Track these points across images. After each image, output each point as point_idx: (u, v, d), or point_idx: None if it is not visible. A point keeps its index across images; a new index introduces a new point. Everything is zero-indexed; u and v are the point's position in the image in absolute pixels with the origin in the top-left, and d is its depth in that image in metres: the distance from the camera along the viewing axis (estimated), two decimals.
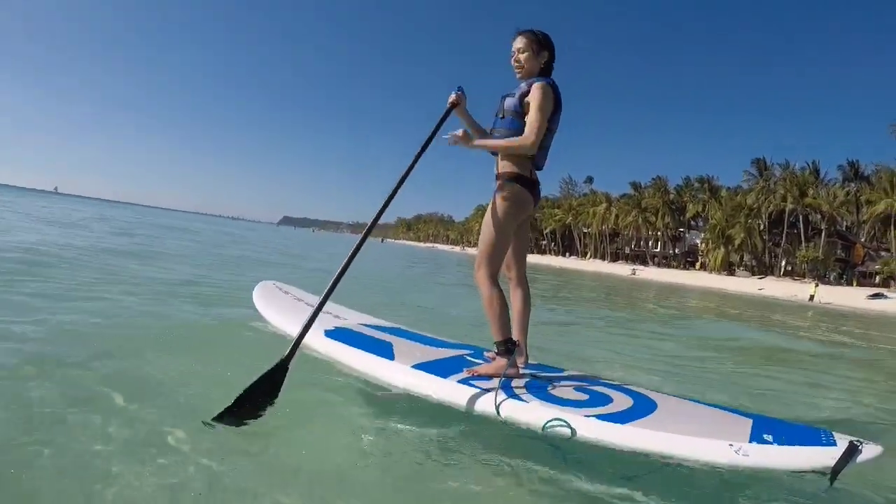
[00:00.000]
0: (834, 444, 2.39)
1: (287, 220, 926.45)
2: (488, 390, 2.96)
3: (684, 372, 5.97)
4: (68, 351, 3.84)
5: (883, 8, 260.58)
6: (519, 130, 3.24)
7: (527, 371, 3.39)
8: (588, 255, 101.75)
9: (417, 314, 7.95)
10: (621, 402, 2.92)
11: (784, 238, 73.38)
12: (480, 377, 3.16)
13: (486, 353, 3.63)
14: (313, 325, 3.17)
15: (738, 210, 74.89)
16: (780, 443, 2.42)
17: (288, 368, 2.94)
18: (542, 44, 3.38)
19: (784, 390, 5.61)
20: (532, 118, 3.20)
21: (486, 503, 2.48)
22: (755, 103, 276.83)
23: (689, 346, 8.41)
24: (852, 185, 71.09)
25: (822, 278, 59.83)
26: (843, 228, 74.15)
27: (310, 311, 3.14)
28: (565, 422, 2.67)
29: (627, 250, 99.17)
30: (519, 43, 3.39)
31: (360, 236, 3.34)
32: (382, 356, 3.44)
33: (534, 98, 3.21)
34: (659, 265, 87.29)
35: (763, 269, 74.47)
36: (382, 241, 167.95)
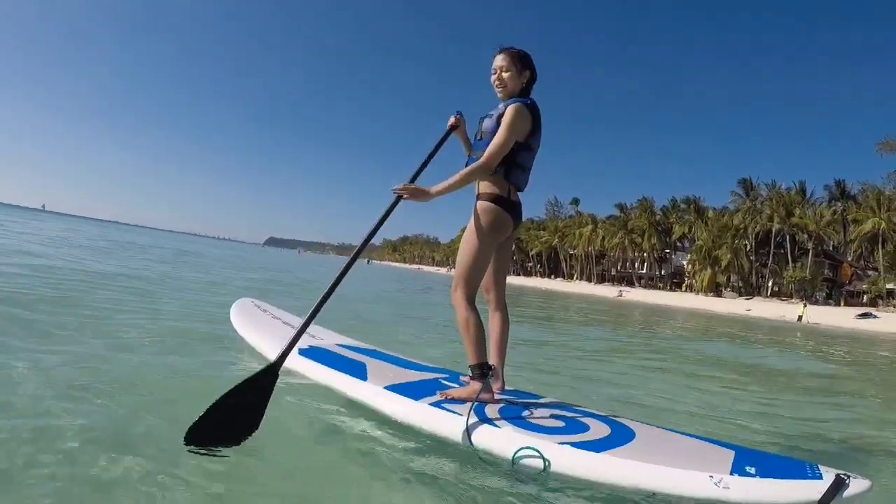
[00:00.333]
0: (820, 477, 2.32)
1: (273, 241, 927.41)
2: (459, 414, 2.89)
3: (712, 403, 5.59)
4: None
5: (867, 27, 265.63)
6: None
7: (502, 397, 3.31)
8: (574, 277, 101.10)
9: (404, 334, 7.96)
10: (598, 430, 2.84)
11: (771, 258, 73.13)
12: (453, 401, 3.09)
13: (461, 378, 3.57)
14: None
15: (725, 231, 74.68)
16: (763, 475, 2.35)
17: (278, 375, 2.89)
18: (524, 62, 3.35)
19: (773, 415, 5.30)
20: (495, 139, 3.15)
21: None
22: (741, 123, 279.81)
23: (704, 367, 8.03)
24: (839, 204, 71.24)
25: (809, 298, 59.58)
26: (830, 248, 74.30)
27: (299, 322, 3.17)
28: (537, 449, 2.59)
29: (613, 272, 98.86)
30: (501, 61, 3.34)
31: (345, 258, 3.32)
32: (355, 376, 3.41)
33: (505, 118, 3.16)
34: (645, 286, 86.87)
35: (750, 289, 73.95)
36: (368, 262, 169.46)
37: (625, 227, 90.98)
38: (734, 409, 5.40)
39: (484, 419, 2.85)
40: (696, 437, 2.93)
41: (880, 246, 60.70)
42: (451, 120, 3.61)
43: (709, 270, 73.42)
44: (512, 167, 3.23)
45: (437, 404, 3.04)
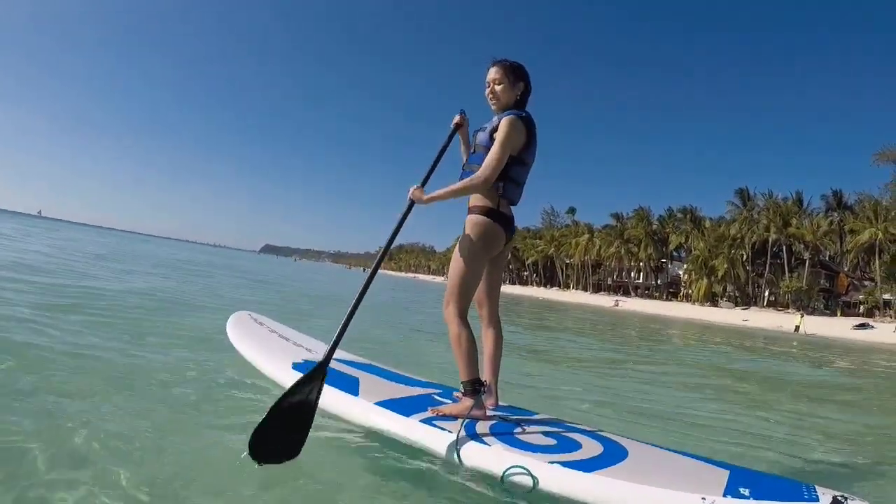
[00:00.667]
0: (816, 499, 2.27)
1: (269, 249, 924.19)
2: (450, 431, 2.85)
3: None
4: None
5: (864, 37, 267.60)
6: None
7: (495, 413, 3.27)
8: (570, 286, 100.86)
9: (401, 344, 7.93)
10: (590, 448, 2.79)
11: (767, 268, 72.96)
12: (444, 417, 3.04)
13: (454, 394, 3.51)
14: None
15: (722, 240, 74.49)
16: (758, 497, 2.28)
17: (326, 373, 2.92)
18: (518, 74, 3.30)
19: (770, 429, 5.18)
20: (490, 154, 3.10)
21: None
22: (739, 133, 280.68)
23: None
24: (836, 214, 71.07)
25: (805, 308, 59.50)
26: (827, 258, 74.18)
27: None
28: (526, 468, 2.55)
29: (610, 281, 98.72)
30: (494, 73, 3.31)
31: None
32: (347, 391, 3.37)
33: (499, 133, 3.11)
34: (641, 296, 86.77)
35: (746, 299, 73.76)
36: (364, 270, 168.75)
37: (621, 236, 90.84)
38: (731, 422, 5.29)
39: (474, 436, 2.82)
40: (690, 455, 2.88)
41: (877, 256, 60.54)
42: (456, 118, 3.55)
43: (705, 280, 73.26)
44: (506, 182, 3.19)
45: (427, 421, 2.99)
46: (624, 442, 2.97)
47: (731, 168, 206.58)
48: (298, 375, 3.62)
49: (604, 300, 75.82)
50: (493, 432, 2.90)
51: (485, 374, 3.31)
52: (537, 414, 3.45)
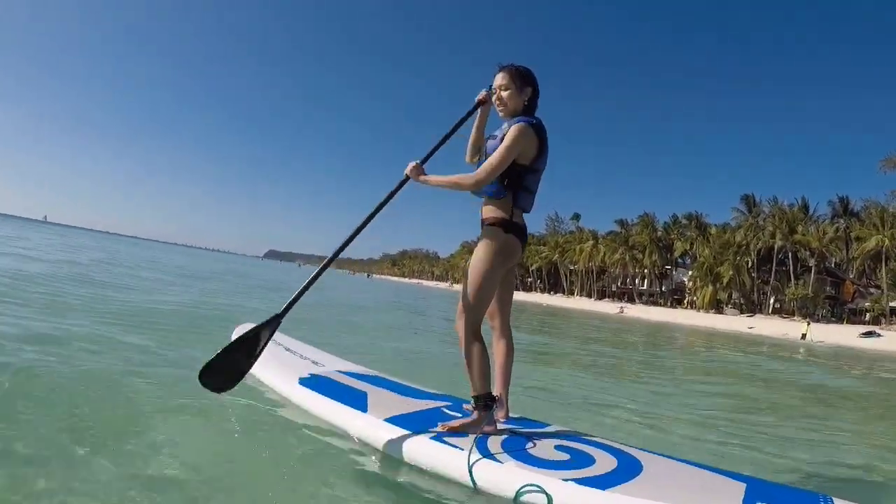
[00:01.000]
0: None
1: (272, 254, 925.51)
2: (461, 449, 2.79)
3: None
4: None
5: (870, 45, 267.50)
6: (500, 176, 3.10)
7: (506, 426, 3.21)
8: (575, 293, 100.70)
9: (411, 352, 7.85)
10: (604, 463, 2.73)
11: (773, 275, 72.70)
12: (455, 433, 2.98)
13: (464, 406, 3.43)
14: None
15: (727, 247, 74.23)
16: None
17: (280, 322, 3.13)
18: (525, 79, 3.23)
19: (785, 438, 5.09)
20: (491, 158, 3.06)
21: None
22: (744, 139, 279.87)
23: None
24: (842, 221, 70.84)
25: (811, 316, 59.19)
26: (833, 265, 73.86)
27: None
28: (541, 486, 2.49)
29: (614, 287, 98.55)
30: (500, 79, 3.24)
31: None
32: (355, 407, 3.34)
33: (506, 138, 3.06)
34: (646, 303, 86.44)
35: (751, 307, 73.49)
36: (369, 276, 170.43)
37: (626, 243, 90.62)
38: (745, 432, 5.21)
39: (486, 454, 2.76)
40: (706, 467, 2.84)
41: (884, 264, 60.24)
42: (481, 94, 3.42)
43: (710, 287, 72.92)
44: (519, 191, 3.16)
45: (438, 437, 2.94)
46: (638, 454, 2.92)
47: (737, 174, 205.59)
48: (305, 392, 3.65)
49: (608, 307, 75.55)
50: (505, 448, 2.85)
51: (496, 386, 3.27)
52: (548, 426, 3.40)
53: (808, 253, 71.16)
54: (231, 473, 2.82)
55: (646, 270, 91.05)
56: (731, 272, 71.81)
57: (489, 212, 3.19)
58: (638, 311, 68.77)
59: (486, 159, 3.16)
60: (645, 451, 3.03)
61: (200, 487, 2.59)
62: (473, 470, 2.67)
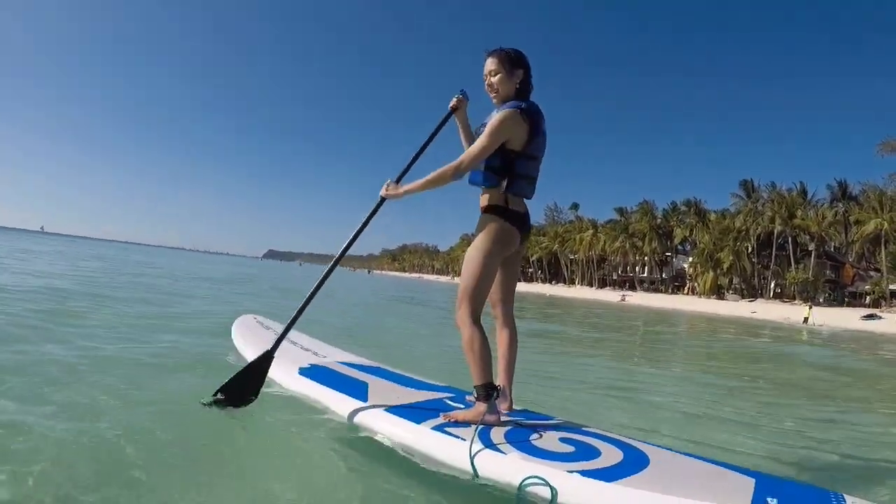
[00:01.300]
0: None
1: (272, 254, 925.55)
2: (463, 439, 2.74)
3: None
4: None
5: (867, 30, 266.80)
6: (490, 163, 3.08)
7: (510, 418, 3.16)
8: (576, 282, 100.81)
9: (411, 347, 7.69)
10: (610, 455, 2.67)
11: (773, 260, 72.90)
12: (457, 424, 2.94)
13: (467, 398, 3.36)
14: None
15: (726, 233, 74.42)
16: None
17: (273, 357, 3.45)
18: (514, 62, 3.15)
19: (796, 429, 4.94)
20: (475, 143, 3.04)
21: None
22: (741, 124, 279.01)
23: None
24: (840, 205, 71.02)
25: (812, 300, 59.35)
26: (832, 249, 74.01)
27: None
28: (544, 479, 2.43)
29: (615, 276, 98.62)
30: (490, 65, 3.18)
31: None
32: (355, 397, 3.33)
33: (489, 124, 3.03)
34: (647, 290, 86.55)
35: (752, 291, 73.78)
36: (370, 272, 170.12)
37: (625, 231, 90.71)
38: (753, 421, 5.12)
39: (489, 444, 2.71)
40: (714, 461, 2.77)
41: (883, 247, 60.45)
42: (453, 101, 3.45)
43: (711, 273, 73.16)
44: (512, 177, 3.11)
45: (439, 428, 2.90)
46: (644, 448, 2.87)
47: (735, 160, 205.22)
48: (305, 381, 3.67)
49: (610, 295, 75.69)
50: (508, 439, 2.79)
51: (499, 377, 3.23)
52: (553, 418, 3.34)
53: (807, 237, 71.33)
54: (224, 462, 2.88)
55: (646, 258, 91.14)
56: (731, 258, 72.03)
57: (484, 200, 3.17)
58: (640, 299, 68.96)
59: None
60: (652, 444, 2.99)
61: (193, 476, 2.66)
62: (475, 460, 2.62)
